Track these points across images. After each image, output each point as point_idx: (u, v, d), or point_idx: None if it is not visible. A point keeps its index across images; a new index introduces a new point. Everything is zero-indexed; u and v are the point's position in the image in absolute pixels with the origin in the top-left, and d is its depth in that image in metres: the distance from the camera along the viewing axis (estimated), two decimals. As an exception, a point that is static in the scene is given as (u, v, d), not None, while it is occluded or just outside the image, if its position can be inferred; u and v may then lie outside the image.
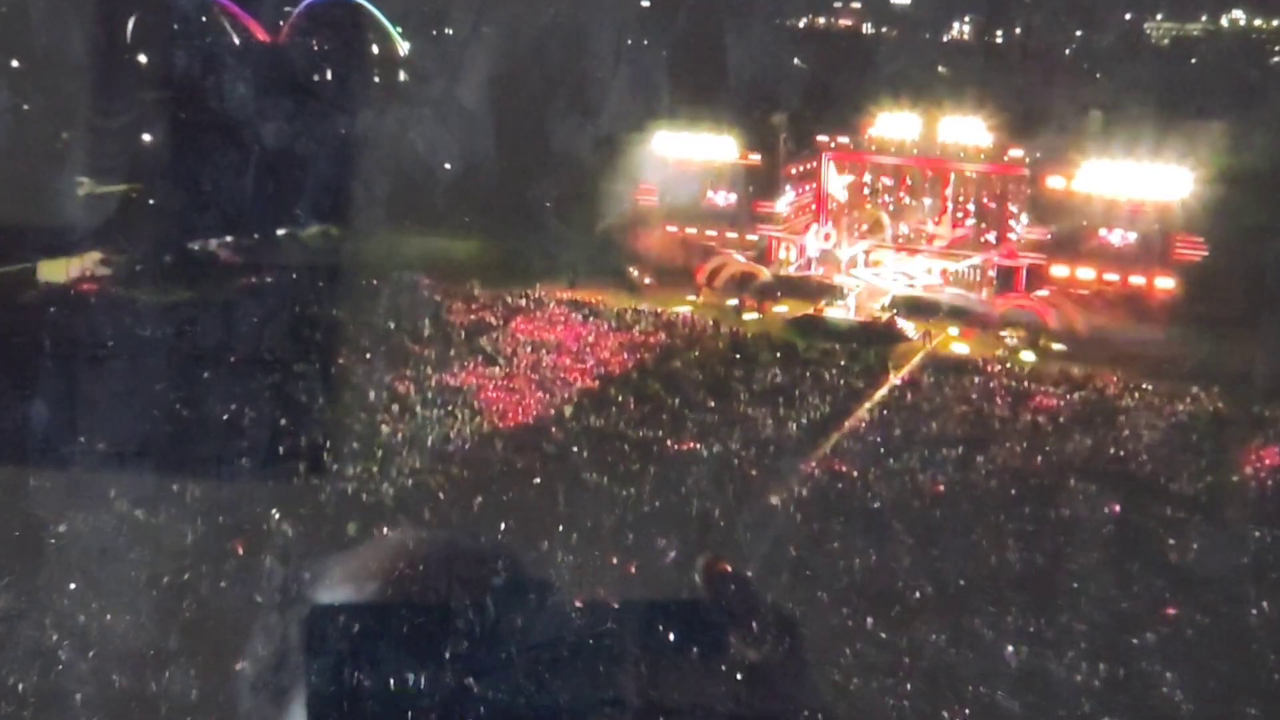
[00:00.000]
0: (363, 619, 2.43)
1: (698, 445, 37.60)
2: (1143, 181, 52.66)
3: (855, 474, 35.56)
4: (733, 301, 56.31)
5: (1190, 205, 51.59)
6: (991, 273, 56.80)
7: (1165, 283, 52.45)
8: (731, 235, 61.89)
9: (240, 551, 29.28)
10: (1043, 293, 54.16)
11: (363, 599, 2.62)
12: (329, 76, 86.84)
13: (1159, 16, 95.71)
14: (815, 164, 62.65)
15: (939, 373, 45.54)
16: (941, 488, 34.52)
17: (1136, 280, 53.07)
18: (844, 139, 61.59)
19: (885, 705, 25.84)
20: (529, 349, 47.57)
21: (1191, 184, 51.67)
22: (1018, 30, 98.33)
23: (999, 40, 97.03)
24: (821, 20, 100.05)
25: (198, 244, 65.13)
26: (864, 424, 39.89)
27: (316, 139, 73.01)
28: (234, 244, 66.72)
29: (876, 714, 25.46)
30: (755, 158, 61.47)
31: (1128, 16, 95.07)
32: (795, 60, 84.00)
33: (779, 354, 47.73)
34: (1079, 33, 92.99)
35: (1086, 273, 54.17)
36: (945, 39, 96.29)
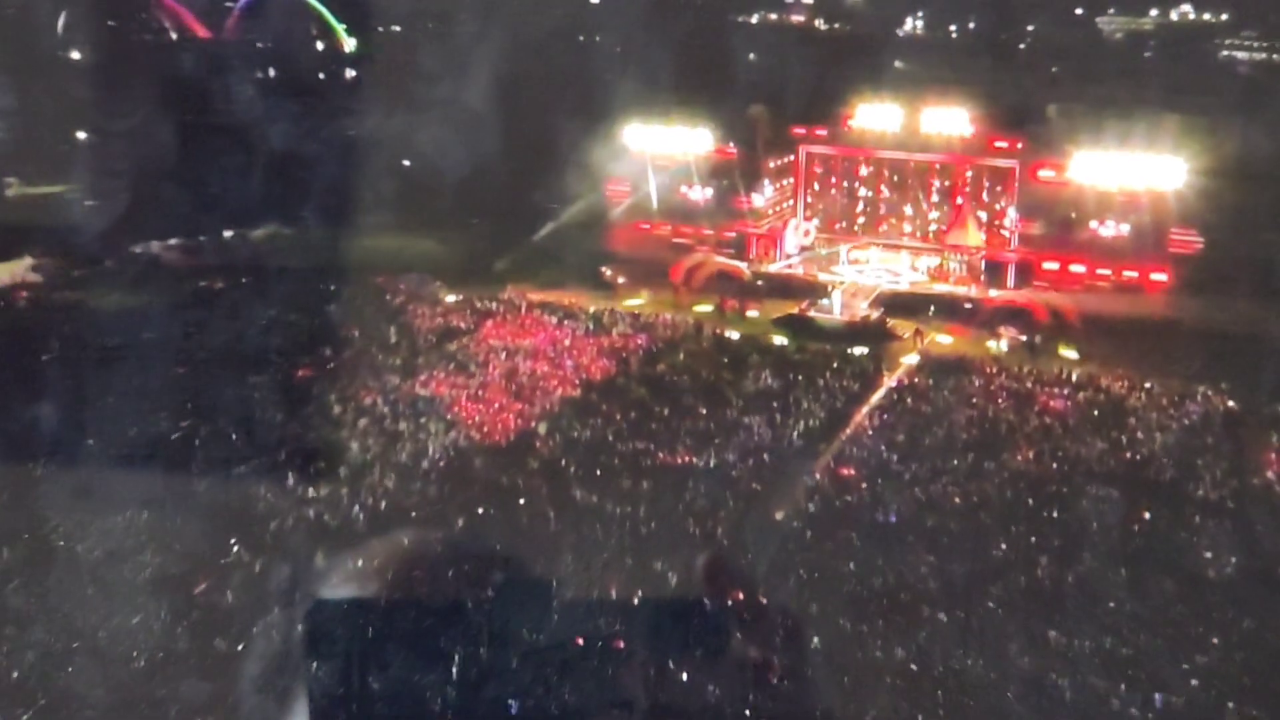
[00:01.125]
0: (365, 618, 2.48)
1: (693, 458, 34.91)
2: (1136, 172, 50.87)
3: (864, 485, 33.08)
4: (711, 302, 53.75)
5: (1185, 196, 49.88)
6: (980, 268, 54.75)
7: (1160, 276, 50.76)
8: (708, 232, 59.38)
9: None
10: (1034, 288, 52.23)
11: (365, 598, 2.66)
12: (272, 73, 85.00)
13: (1111, 11, 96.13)
14: (792, 157, 60.28)
15: (936, 374, 43.27)
16: (957, 499, 32.15)
17: (1130, 274, 51.35)
18: (822, 131, 59.22)
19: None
20: (503, 355, 44.61)
21: (1186, 174, 49.94)
22: (971, 25, 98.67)
23: (954, 35, 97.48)
24: (774, 16, 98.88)
25: (140, 247, 61.53)
26: (865, 430, 37.47)
27: (262, 137, 70.41)
28: (179, 246, 63.29)
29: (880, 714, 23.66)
30: (732, 151, 58.95)
31: (1079, 11, 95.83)
32: (751, 55, 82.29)
33: (767, 356, 45.24)
34: (1030, 28, 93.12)
35: (1079, 267, 52.33)
36: (900, 34, 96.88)
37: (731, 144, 58.83)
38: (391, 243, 62.65)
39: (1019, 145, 54.83)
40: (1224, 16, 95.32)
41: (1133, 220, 51.61)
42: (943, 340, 48.98)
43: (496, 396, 40.25)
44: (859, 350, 46.34)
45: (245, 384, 39.94)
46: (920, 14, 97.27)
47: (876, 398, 40.96)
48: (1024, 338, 47.80)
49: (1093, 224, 52.38)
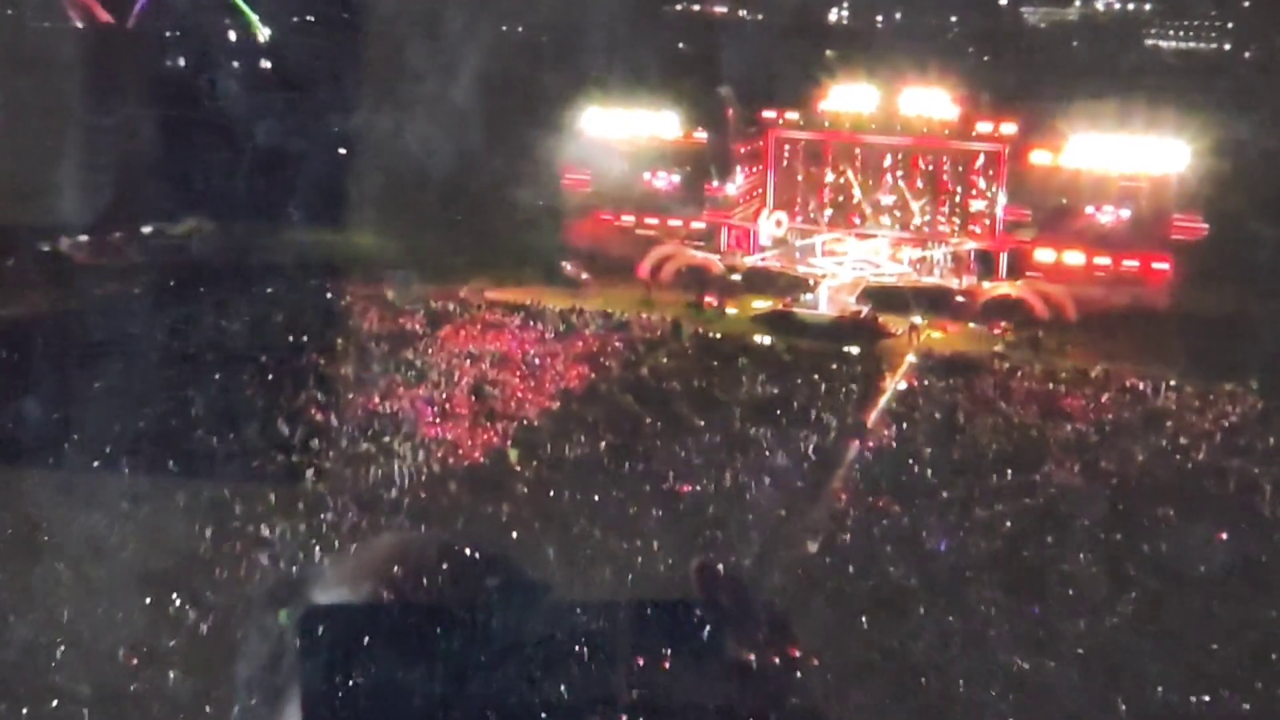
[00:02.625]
0: (358, 620, 2.48)
1: (701, 479, 30.76)
2: (1136, 155, 47.99)
3: (898, 507, 29.27)
4: (684, 298, 49.74)
5: (1188, 179, 47.13)
6: (969, 259, 51.50)
7: (1162, 266, 47.96)
8: (675, 223, 55.26)
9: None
10: (1028, 279, 49.13)
11: (357, 600, 2.66)
12: (182, 63, 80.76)
13: (1035, 1, 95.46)
14: (761, 142, 56.43)
15: (942, 375, 39.82)
16: (1009, 522, 28.53)
17: (1130, 264, 48.47)
18: (792, 114, 55.42)
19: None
20: (466, 362, 40.00)
21: (1189, 156, 47.19)
22: (897, 16, 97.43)
23: (879, 24, 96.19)
24: (696, 7, 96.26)
25: (47, 244, 55.61)
26: (886, 442, 33.76)
27: (177, 128, 65.42)
28: (91, 243, 57.47)
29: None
30: (701, 135, 54.85)
31: (1003, 2, 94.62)
32: (680, 45, 78.93)
33: (757, 357, 41.32)
34: (954, 18, 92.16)
35: (1075, 256, 49.32)
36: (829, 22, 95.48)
37: (700, 128, 54.74)
38: (327, 238, 57.63)
39: (1009, 127, 51.64)
40: (1147, 6, 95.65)
41: (1132, 206, 48.77)
42: (938, 336, 45.66)
43: (466, 410, 35.67)
44: (853, 349, 42.73)
45: (162, 404, 34.82)
46: (845, 4, 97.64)
47: (886, 403, 37.32)
48: (1029, 333, 44.75)
49: (1090, 210, 49.40)
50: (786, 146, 56.26)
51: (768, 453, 32.52)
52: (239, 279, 49.25)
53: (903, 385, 39.12)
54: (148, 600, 24.45)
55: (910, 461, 32.03)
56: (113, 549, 26.39)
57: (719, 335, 44.34)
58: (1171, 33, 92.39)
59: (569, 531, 27.46)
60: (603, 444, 33.18)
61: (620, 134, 55.36)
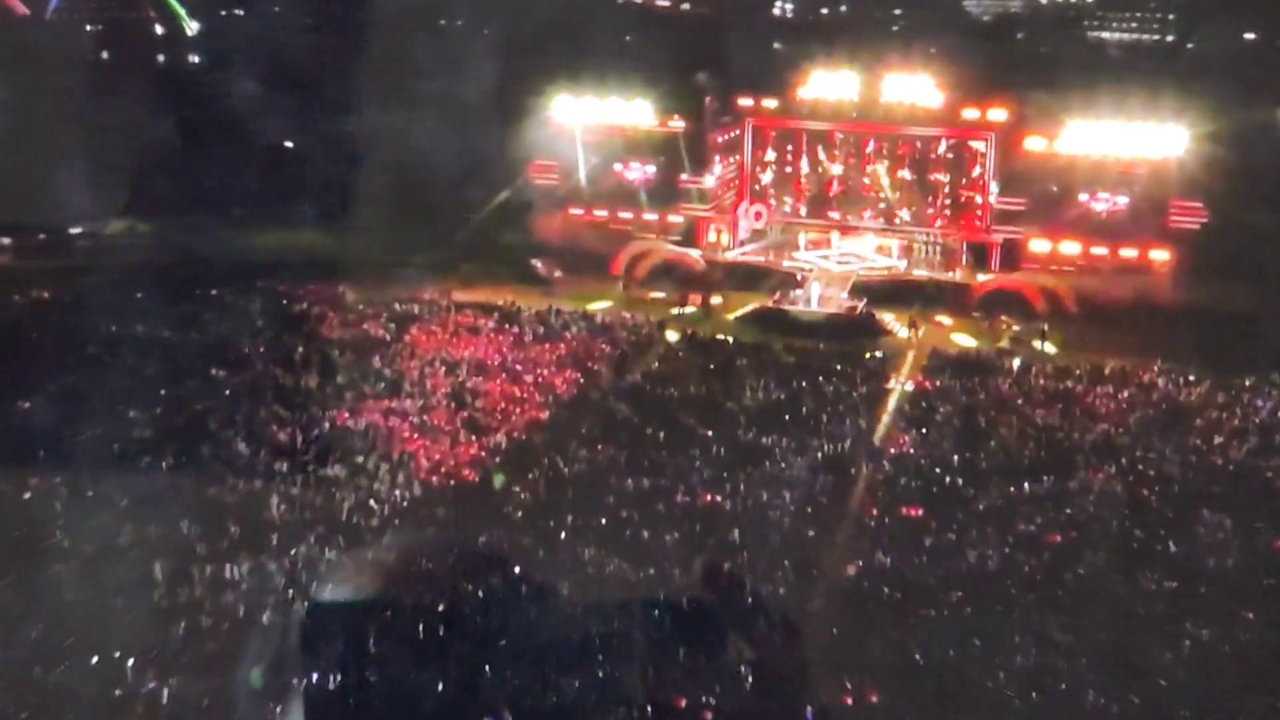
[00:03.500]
0: (362, 619, 2.67)
1: (717, 495, 27.90)
2: (1133, 141, 46.06)
3: (934, 523, 26.63)
4: (664, 296, 46.93)
5: (1188, 165, 45.27)
6: (962, 250, 49.24)
7: (1161, 255, 46.12)
8: (650, 216, 52.36)
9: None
10: (1023, 271, 47.03)
11: (362, 599, 2.86)
12: (104, 56, 77.93)
13: None
14: (738, 131, 53.74)
15: (952, 374, 37.41)
16: (1057, 536, 26.04)
17: (1128, 253, 46.58)
18: (770, 102, 52.78)
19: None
20: (441, 369, 36.66)
21: (1188, 141, 45.34)
22: (842, 9, 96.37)
23: (824, 16, 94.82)
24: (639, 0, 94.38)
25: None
26: (908, 449, 31.16)
27: (105, 122, 61.29)
28: (14, 245, 53.38)
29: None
30: (677, 124, 51.96)
31: None
32: (626, 37, 76.46)
33: (754, 359, 38.57)
34: (898, 11, 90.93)
35: (1071, 246, 47.33)
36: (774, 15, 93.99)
37: (677, 116, 51.85)
38: (274, 238, 53.94)
39: (998, 113, 49.48)
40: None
41: (1130, 193, 46.87)
42: (938, 333, 43.35)
43: (447, 423, 32.38)
44: (853, 348, 40.19)
45: (94, 424, 31.13)
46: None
47: (901, 406, 34.77)
48: (1032, 328, 42.59)
49: (1086, 198, 47.41)
50: (765, 135, 53.66)
51: (783, 464, 29.73)
52: (178, 282, 45.43)
53: (911, 386, 36.60)
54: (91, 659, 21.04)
55: (938, 470, 29.45)
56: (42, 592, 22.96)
57: (709, 336, 41.50)
58: (1115, 24, 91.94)
59: (579, 561, 24.39)
60: (602, 458, 30.15)
61: (591, 123, 52.33)
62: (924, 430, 32.09)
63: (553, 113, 52.36)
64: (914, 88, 50.56)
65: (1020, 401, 34.60)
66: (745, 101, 52.96)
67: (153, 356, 36.20)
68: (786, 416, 33.00)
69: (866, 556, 25.08)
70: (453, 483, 28.77)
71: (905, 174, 52.12)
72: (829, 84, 51.72)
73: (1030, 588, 24.14)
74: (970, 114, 50.18)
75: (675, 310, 44.87)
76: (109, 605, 23.04)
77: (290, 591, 23.42)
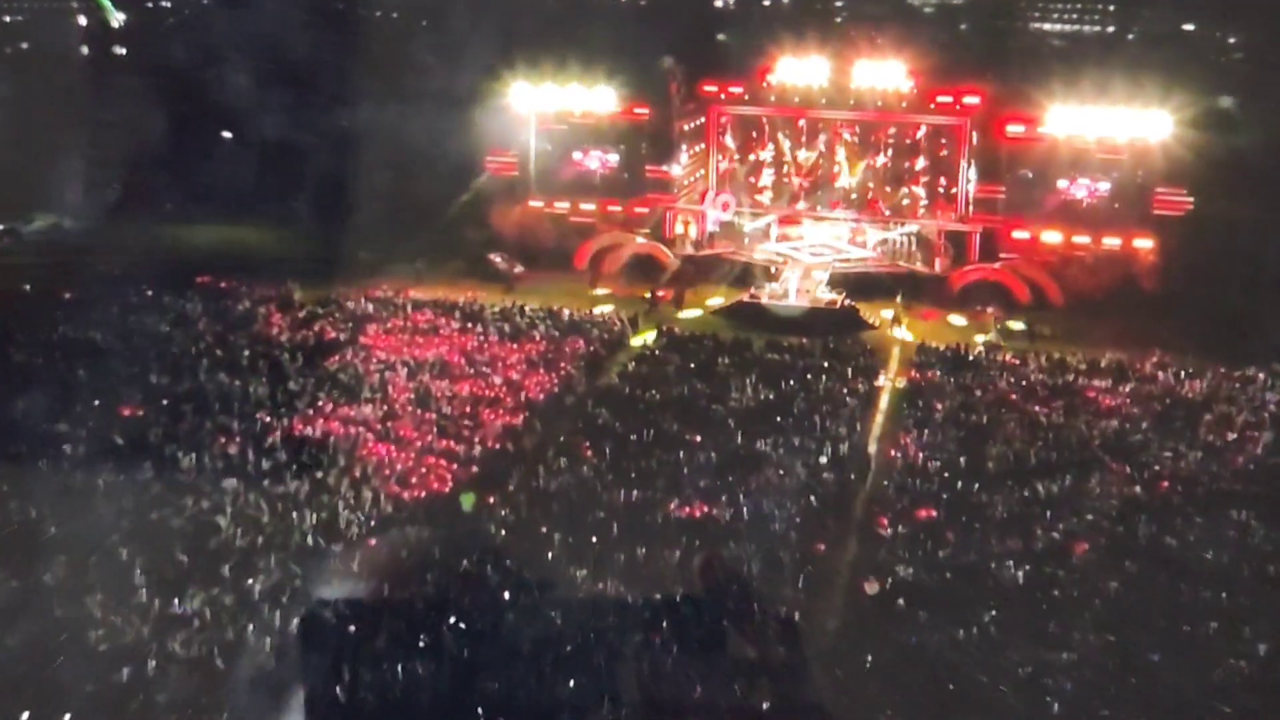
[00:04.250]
0: (360, 616, 3.11)
1: (713, 506, 25.60)
2: (1116, 125, 44.59)
3: (951, 534, 24.58)
4: (632, 292, 44.65)
5: (1172, 149, 43.91)
6: (939, 240, 47.50)
7: (1145, 243, 44.75)
8: (615, 208, 49.97)
9: None
10: (1003, 261, 45.41)
11: (360, 596, 4.40)
12: (24, 47, 77.10)
13: None
14: (704, 119, 51.55)
15: (943, 370, 35.51)
16: (1084, 546, 24.12)
17: (1112, 241, 45.15)
18: (737, 88, 50.62)
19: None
20: (403, 372, 33.96)
21: (1172, 125, 43.97)
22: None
23: (766, 6, 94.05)
24: None
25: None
26: (911, 451, 29.09)
27: (24, 116, 58.20)
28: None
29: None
30: (642, 111, 49.59)
31: None
32: (587, 21, 74.11)
33: (735, 357, 36.35)
34: (839, 2, 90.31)
35: (1052, 235, 45.80)
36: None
37: (642, 103, 49.47)
38: (208, 234, 50.75)
39: (972, 99, 47.80)
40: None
41: (1112, 180, 45.43)
42: (922, 326, 41.57)
43: (414, 432, 29.71)
44: (837, 343, 38.17)
45: (18, 439, 28.22)
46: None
47: (898, 405, 32.78)
48: (1020, 320, 41.01)
49: (1067, 185, 45.89)
50: (731, 123, 51.53)
51: (782, 472, 27.51)
52: (107, 282, 42.26)
53: (905, 383, 34.66)
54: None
55: (948, 475, 27.43)
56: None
57: (687, 334, 39.20)
58: (1055, 15, 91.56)
59: (573, 586, 21.96)
60: (585, 466, 27.71)
61: (551, 111, 49.78)
62: (927, 431, 30.05)
63: (510, 101, 49.73)
64: (885, 73, 48.72)
65: (1022, 398, 32.75)
66: (710, 88, 50.77)
67: (81, 363, 33.12)
68: (779, 419, 30.82)
69: (886, 572, 22.90)
70: (423, 497, 26.11)
71: (878, 162, 50.36)
72: (797, 70, 49.68)
73: (1069, 603, 22.14)
74: (943, 99, 48.47)
75: (647, 306, 42.55)
76: (32, 649, 20.24)
77: (249, 626, 20.82)
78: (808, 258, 47.69)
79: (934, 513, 25.14)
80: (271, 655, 19.80)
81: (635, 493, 26.17)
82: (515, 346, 36.69)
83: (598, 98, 49.35)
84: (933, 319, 42.18)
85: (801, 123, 50.82)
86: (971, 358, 36.72)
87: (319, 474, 26.97)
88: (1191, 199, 43.79)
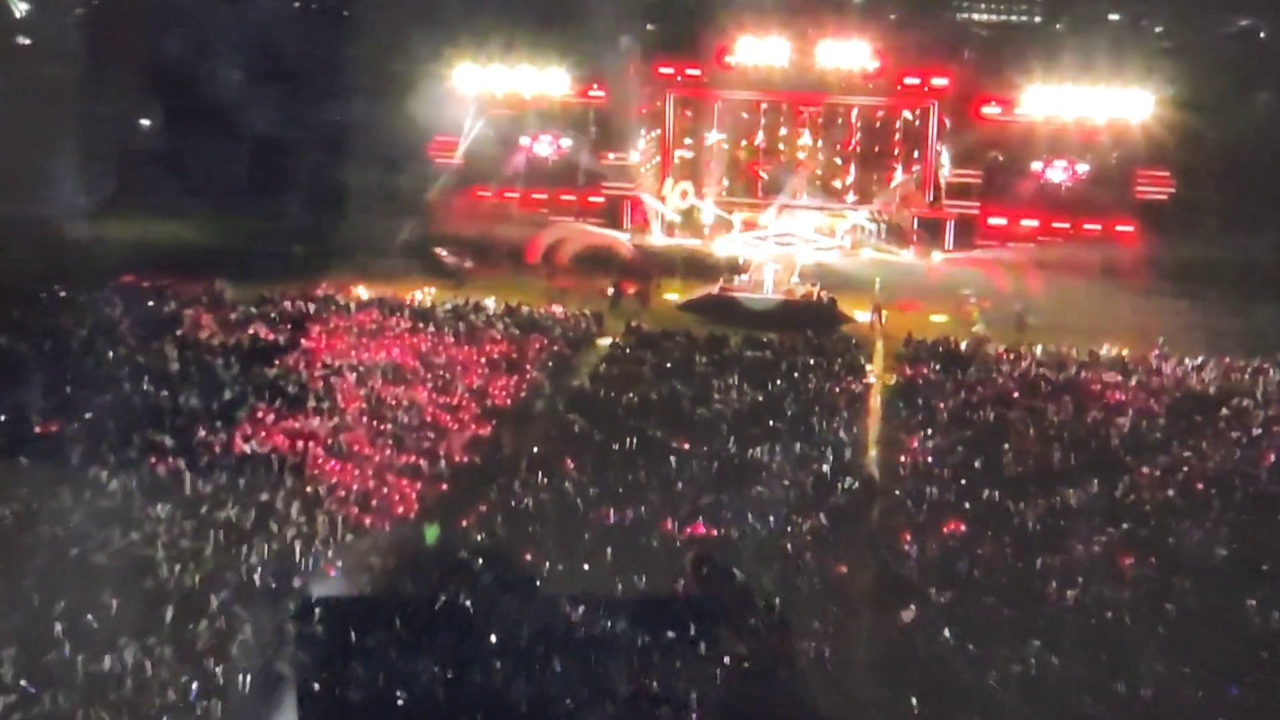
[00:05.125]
0: (354, 614, 4.40)
1: (714, 525, 22.92)
2: (1095, 105, 42.95)
3: (981, 549, 22.18)
4: (589, 286, 41.85)
5: (1154, 130, 42.35)
6: (912, 228, 45.49)
7: (1126, 228, 43.20)
8: (569, 198, 47.11)
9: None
10: (979, 248, 43.59)
11: (354, 594, 4.58)
12: None
13: None
14: (659, 102, 48.91)
15: (937, 364, 33.31)
16: (1130, 557, 21.90)
17: (1092, 227, 43.55)
18: (694, 70, 48.07)
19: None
20: (351, 378, 30.71)
21: (1153, 105, 42.41)
22: None
23: None
24: None
25: None
26: (919, 456, 26.74)
27: None
28: None
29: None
30: (598, 94, 46.75)
31: None
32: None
33: (716, 355, 33.71)
34: None
35: (1030, 221, 44.07)
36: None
37: (596, 85, 46.63)
38: (136, 229, 46.82)
39: (940, 80, 45.84)
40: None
41: (1092, 163, 43.81)
42: (903, 318, 39.38)
43: (369, 447, 26.56)
44: (817, 339, 35.78)
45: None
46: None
47: (894, 405, 30.43)
48: (1005, 310, 39.02)
49: (1045, 168, 44.20)
50: (689, 107, 48.97)
51: (785, 482, 24.95)
52: (14, 281, 38.49)
53: (899, 380, 32.36)
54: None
55: (964, 482, 25.11)
56: None
57: (656, 329, 36.48)
58: (983, 5, 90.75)
59: (567, 619, 19.08)
60: (565, 481, 24.84)
61: (499, 94, 46.73)
62: (933, 433, 27.73)
63: (456, 83, 46.57)
64: (850, 54, 46.54)
65: (1027, 395, 30.63)
66: (665, 70, 48.13)
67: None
68: (771, 422, 28.25)
69: (916, 594, 20.43)
70: (386, 525, 23.01)
71: (845, 147, 48.21)
72: (757, 50, 47.27)
73: (1131, 627, 19.83)
74: (911, 81, 46.46)
75: (610, 301, 39.76)
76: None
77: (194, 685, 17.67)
78: (774, 248, 45.34)
79: (960, 526, 22.68)
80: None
81: (628, 511, 23.33)
82: (473, 348, 33.65)
83: (549, 80, 46.50)
84: (913, 311, 40.05)
85: (763, 106, 48.43)
86: (963, 351, 34.57)
87: (266, 497, 23.66)
88: (1174, 183, 42.32)
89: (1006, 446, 26.98)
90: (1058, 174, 43.93)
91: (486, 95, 46.77)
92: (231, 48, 50.51)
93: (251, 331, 34.87)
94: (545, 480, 24.77)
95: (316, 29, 53.67)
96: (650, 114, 48.21)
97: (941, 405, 29.53)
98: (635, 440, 26.96)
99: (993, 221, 44.01)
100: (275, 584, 20.55)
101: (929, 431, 27.79)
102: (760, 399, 29.80)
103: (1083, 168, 43.84)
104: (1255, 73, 45.78)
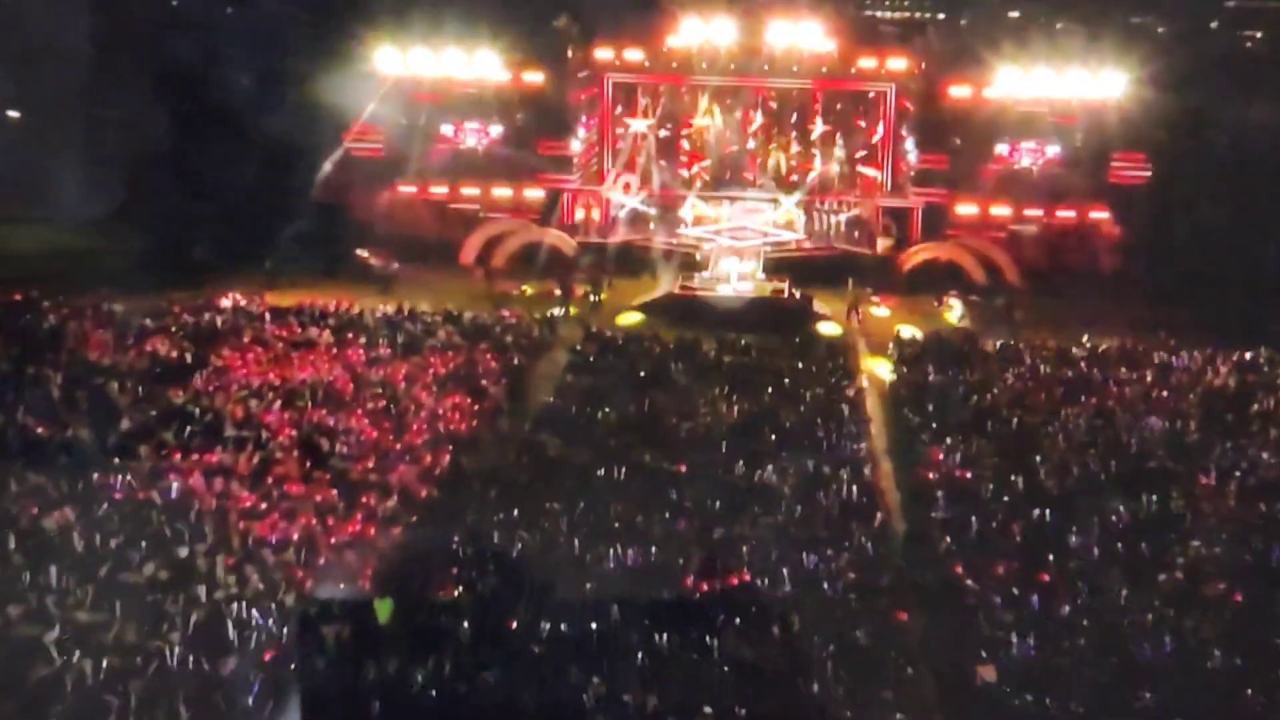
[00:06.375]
0: (358, 616, 4.40)
1: (736, 570, 19.19)
2: (1064, 86, 40.58)
3: (1036, 591, 18.90)
4: (529, 287, 38.14)
5: (1128, 113, 40.12)
6: (877, 218, 42.58)
7: (1101, 215, 40.92)
8: (502, 192, 43.06)
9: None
10: (949, 238, 40.89)
11: (358, 597, 4.32)
12: None
13: None
14: (598, 88, 45.18)
15: (934, 363, 30.28)
16: (1222, 587, 18.86)
17: (1065, 214, 41.19)
18: (634, 53, 44.48)
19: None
20: (276, 403, 26.20)
21: (1126, 86, 40.17)
22: None
23: None
24: None
25: None
26: (942, 468, 23.43)
27: None
28: None
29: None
30: (534, 79, 42.78)
31: None
32: None
33: (690, 362, 30.11)
34: None
35: (1001, 209, 41.52)
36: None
37: (533, 69, 42.64)
38: (8, 236, 41.50)
39: (898, 63, 43.02)
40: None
41: (1064, 146, 41.44)
42: (884, 314, 36.48)
43: (304, 486, 22.14)
44: (795, 340, 32.53)
45: None
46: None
47: (902, 412, 27.10)
48: (987, 305, 36.38)
49: (1014, 153, 41.70)
50: (629, 93, 45.36)
51: (806, 509, 21.38)
52: None
53: (901, 384, 29.15)
54: None
55: (1008, 500, 21.87)
56: None
57: (618, 335, 32.72)
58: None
59: (575, 692, 15.15)
60: (546, 520, 20.83)
61: (424, 79, 42.44)
62: (946, 444, 24.44)
63: (374, 68, 42.10)
64: (801, 34, 43.45)
65: (1041, 395, 27.68)
66: (603, 53, 44.40)
67: None
68: (773, 436, 24.71)
69: (993, 653, 17.03)
70: (332, 586, 18.71)
71: (798, 134, 45.15)
72: (702, 31, 43.87)
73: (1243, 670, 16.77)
74: (866, 63, 43.56)
75: (560, 306, 35.90)
76: None
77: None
78: (728, 242, 41.96)
79: (1015, 563, 19.32)
80: None
81: (629, 554, 19.45)
82: (415, 361, 29.40)
83: (479, 63, 42.35)
84: (889, 306, 37.17)
85: (709, 91, 45.05)
86: (956, 350, 31.57)
87: (182, 552, 19.19)
88: (1150, 167, 40.17)
89: (1038, 458, 23.81)
90: (1029, 159, 41.50)
91: (410, 80, 42.39)
92: (127, 38, 45.20)
93: (150, 349, 30.00)
94: (523, 517, 20.72)
95: (215, 11, 48.60)
96: (590, 101, 44.39)
97: (952, 411, 26.34)
98: (621, 465, 23.06)
99: (962, 210, 41.33)
100: (202, 667, 16.18)
101: (949, 443, 24.46)
102: (754, 411, 26.22)
103: (1053, 150, 41.48)
104: (1233, 52, 44.07)
